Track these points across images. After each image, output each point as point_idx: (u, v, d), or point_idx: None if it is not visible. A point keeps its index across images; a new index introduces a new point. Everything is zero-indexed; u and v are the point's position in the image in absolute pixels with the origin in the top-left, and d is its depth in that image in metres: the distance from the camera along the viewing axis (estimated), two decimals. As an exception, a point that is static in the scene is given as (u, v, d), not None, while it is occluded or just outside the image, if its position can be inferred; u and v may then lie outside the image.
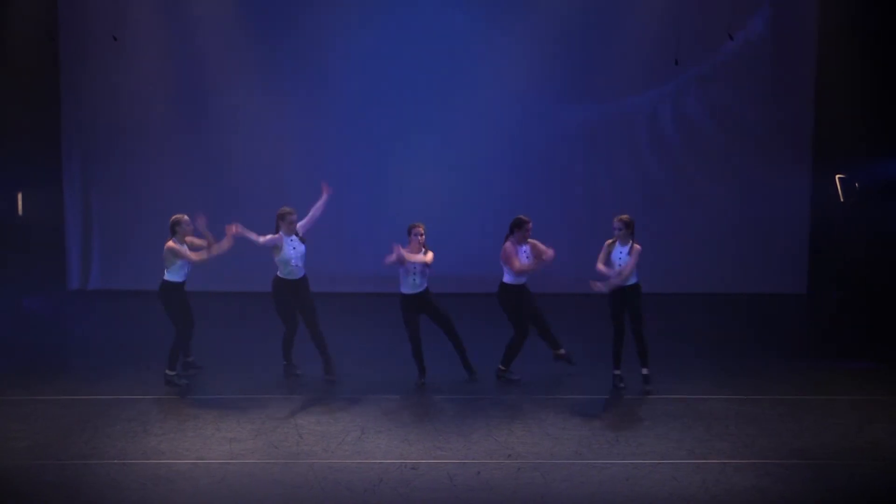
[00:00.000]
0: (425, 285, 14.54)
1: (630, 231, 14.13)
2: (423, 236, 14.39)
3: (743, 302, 20.80)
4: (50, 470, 11.30)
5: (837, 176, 20.46)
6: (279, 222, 14.60)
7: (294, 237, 14.60)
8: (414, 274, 14.37)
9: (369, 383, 14.60)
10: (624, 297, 14.17)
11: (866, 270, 19.98)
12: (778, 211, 21.57)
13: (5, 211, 20.19)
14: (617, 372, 14.50)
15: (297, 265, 14.60)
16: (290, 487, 10.83)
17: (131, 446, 12.00)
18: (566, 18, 21.35)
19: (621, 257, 14.08)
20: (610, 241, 14.24)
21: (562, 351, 14.99)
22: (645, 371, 14.40)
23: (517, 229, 14.48)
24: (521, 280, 14.59)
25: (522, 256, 14.46)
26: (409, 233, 14.42)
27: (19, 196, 20.45)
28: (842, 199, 20.37)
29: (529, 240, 14.56)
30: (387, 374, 14.97)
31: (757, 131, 21.61)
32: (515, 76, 21.44)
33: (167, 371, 14.48)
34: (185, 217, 14.47)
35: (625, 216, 14.16)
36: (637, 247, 14.12)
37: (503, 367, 14.87)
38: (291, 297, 14.68)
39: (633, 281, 14.18)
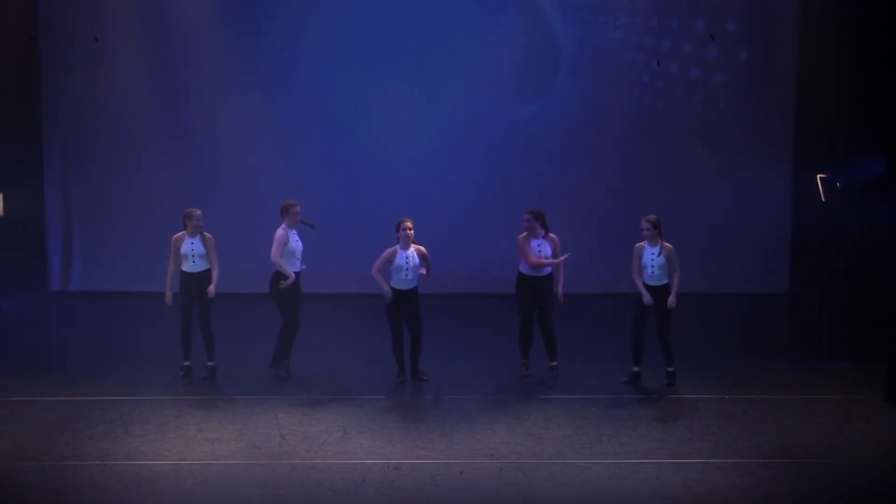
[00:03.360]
0: (416, 283, 14.52)
1: (658, 231, 14.25)
2: (412, 231, 14.34)
3: (724, 302, 20.80)
4: (29, 471, 11.27)
5: (819, 176, 20.46)
6: (283, 215, 14.63)
7: (295, 231, 14.64)
8: (407, 269, 14.35)
9: (351, 384, 14.57)
10: (654, 297, 14.33)
11: (847, 270, 20.00)
12: (759, 211, 21.59)
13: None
14: (637, 369, 14.65)
15: (300, 258, 14.65)
16: (273, 488, 10.81)
17: (113, 447, 11.97)
18: (548, 16, 21.34)
19: (654, 259, 14.19)
20: (639, 244, 14.32)
21: (555, 363, 15.04)
22: (671, 368, 14.59)
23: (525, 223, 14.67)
24: (535, 272, 14.65)
25: (535, 249, 14.55)
26: (398, 228, 14.37)
27: (0, 196, 20.36)
28: (823, 199, 20.38)
29: (551, 235, 14.70)
30: (369, 375, 14.93)
31: (737, 131, 21.61)
32: (498, 73, 21.40)
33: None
34: (198, 211, 14.71)
35: (652, 217, 14.29)
36: (669, 245, 14.31)
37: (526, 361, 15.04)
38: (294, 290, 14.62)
39: (665, 281, 14.35)
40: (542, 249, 14.59)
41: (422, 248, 14.42)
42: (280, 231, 14.51)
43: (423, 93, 21.34)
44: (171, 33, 21.29)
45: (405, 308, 14.48)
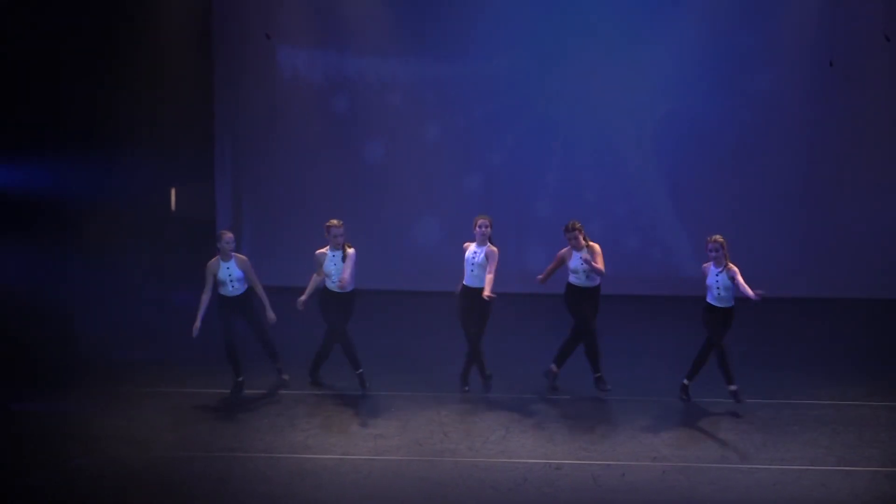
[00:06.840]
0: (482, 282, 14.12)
1: (725, 252, 13.58)
2: (489, 228, 14.08)
3: (892, 307, 20.32)
4: (198, 461, 11.53)
5: None
6: (326, 234, 14.35)
7: (338, 253, 14.22)
8: (473, 265, 14.06)
9: (514, 382, 14.58)
10: (725, 318, 13.73)
11: None
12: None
13: (159, 207, 20.50)
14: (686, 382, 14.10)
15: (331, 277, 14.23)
16: (435, 484, 10.89)
17: (278, 440, 12.18)
18: (715, 18, 21.02)
19: (719, 280, 13.49)
20: (706, 263, 13.70)
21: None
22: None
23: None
24: (579, 282, 14.25)
25: (575, 263, 14.13)
26: (474, 226, 14.11)
27: (172, 192, 20.77)
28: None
29: (591, 244, 14.18)
30: (532, 374, 14.87)
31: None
32: (658, 76, 21.10)
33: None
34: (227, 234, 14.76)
35: (719, 237, 13.61)
36: (733, 267, 13.47)
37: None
38: (331, 307, 14.37)
39: (732, 304, 13.75)
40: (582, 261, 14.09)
41: (493, 248, 14.13)
42: (318, 252, 14.36)
43: (594, 91, 21.12)
44: (344, 31, 21.42)
45: (472, 305, 14.14)
